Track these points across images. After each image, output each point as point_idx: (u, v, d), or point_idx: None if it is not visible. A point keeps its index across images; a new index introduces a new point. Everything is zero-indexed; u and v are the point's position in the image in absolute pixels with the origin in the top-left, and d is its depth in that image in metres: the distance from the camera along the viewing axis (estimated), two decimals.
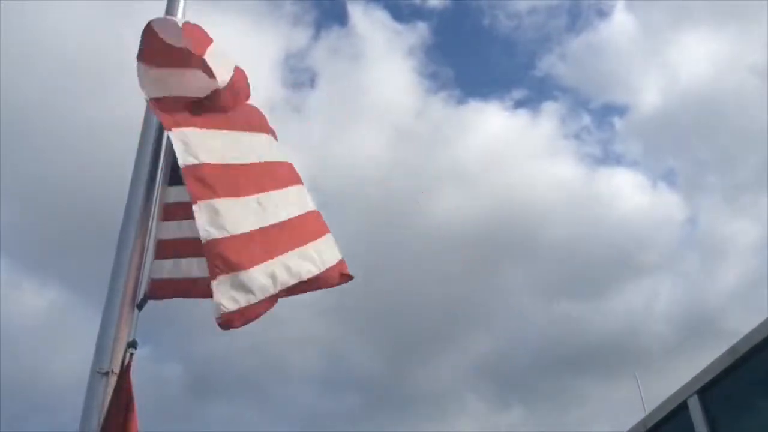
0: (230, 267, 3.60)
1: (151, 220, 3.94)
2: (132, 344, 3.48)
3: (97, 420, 3.14)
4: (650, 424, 12.70)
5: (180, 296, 3.95)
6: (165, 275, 3.93)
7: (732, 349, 10.96)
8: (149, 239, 3.91)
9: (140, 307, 3.68)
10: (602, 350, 37.38)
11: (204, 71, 4.19)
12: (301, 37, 45.14)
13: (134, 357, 3.45)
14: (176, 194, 4.14)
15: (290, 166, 4.73)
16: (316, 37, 47.03)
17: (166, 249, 4.00)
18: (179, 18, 4.54)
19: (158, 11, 4.62)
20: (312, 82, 47.31)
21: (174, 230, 4.07)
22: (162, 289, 3.88)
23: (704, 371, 11.48)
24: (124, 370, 3.37)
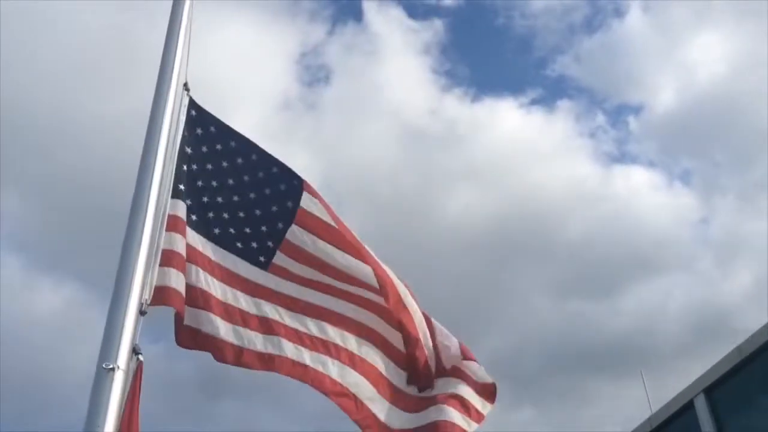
0: None
1: (159, 220, 3.96)
2: (135, 350, 3.48)
3: (103, 415, 3.14)
4: (656, 423, 12.69)
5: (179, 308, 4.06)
6: (167, 283, 3.98)
7: (738, 349, 10.94)
8: (158, 240, 3.93)
9: (143, 313, 3.67)
10: (614, 349, 37.18)
11: None
12: (318, 33, 45.04)
13: (142, 363, 3.44)
14: (174, 207, 4.21)
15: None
16: (331, 33, 46.95)
17: (167, 258, 4.04)
18: (186, 13, 4.60)
19: (165, 7, 4.65)
20: (327, 79, 47.21)
21: (174, 242, 4.13)
22: (165, 297, 3.94)
23: (711, 370, 11.46)
24: (134, 374, 3.40)
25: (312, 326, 4.48)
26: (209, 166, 4.60)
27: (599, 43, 46.11)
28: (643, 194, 45.43)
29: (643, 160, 50.06)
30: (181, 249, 4.17)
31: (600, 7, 45.86)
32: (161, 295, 3.90)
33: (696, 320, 37.70)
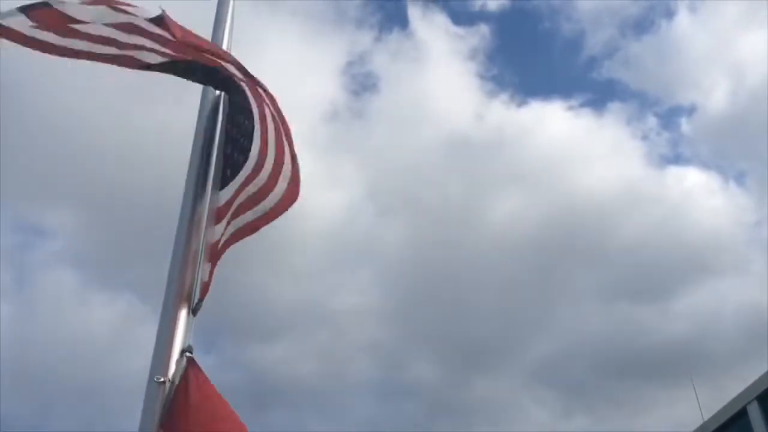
0: None
1: (203, 225, 3.91)
2: (187, 349, 3.42)
3: (154, 429, 3.12)
4: None
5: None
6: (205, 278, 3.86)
7: None
8: (203, 244, 3.88)
9: (195, 312, 3.63)
10: (667, 355, 36.52)
11: None
12: (364, 41, 45.33)
13: (193, 361, 3.38)
14: (224, 195, 4.10)
15: None
16: (378, 39, 47.22)
17: (214, 250, 3.95)
18: (229, 19, 4.57)
19: (209, 12, 4.64)
20: (374, 87, 47.54)
21: (219, 231, 4.01)
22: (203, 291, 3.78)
23: (764, 377, 11.09)
24: (183, 376, 3.31)
25: None
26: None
27: (648, 45, 45.60)
28: (697, 196, 44.68)
29: (697, 162, 49.47)
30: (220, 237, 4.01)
31: (649, 9, 45.38)
32: (204, 289, 3.76)
33: (751, 324, 36.88)
